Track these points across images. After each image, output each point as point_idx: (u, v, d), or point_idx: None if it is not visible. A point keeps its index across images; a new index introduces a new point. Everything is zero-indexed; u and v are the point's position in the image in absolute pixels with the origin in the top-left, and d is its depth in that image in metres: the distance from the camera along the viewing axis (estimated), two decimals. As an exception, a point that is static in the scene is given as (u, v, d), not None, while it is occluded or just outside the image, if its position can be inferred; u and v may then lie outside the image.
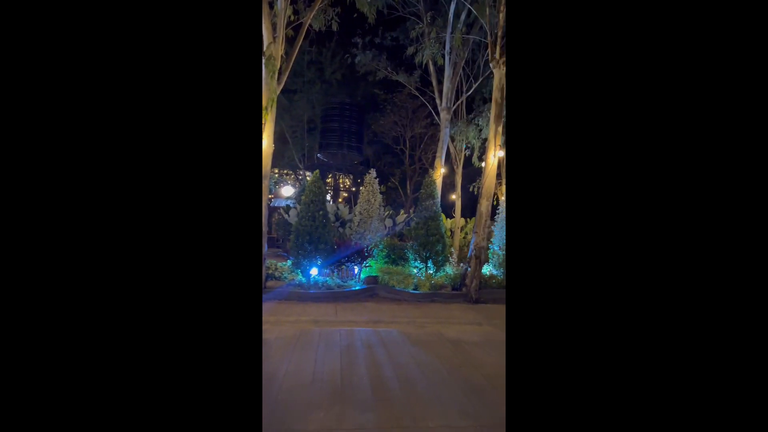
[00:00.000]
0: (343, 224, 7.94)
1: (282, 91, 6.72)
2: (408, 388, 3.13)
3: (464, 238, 11.33)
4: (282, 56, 6.40)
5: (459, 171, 11.75)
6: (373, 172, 8.13)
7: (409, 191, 16.22)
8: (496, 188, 8.09)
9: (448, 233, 9.59)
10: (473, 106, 11.65)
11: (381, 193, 8.33)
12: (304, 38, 7.07)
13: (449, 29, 9.18)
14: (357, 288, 6.79)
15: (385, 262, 7.48)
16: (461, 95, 10.79)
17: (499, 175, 9.37)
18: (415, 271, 7.27)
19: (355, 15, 8.44)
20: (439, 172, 10.05)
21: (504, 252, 7.38)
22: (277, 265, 7.22)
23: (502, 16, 6.71)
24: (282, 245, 11.70)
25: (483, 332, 4.98)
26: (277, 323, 4.88)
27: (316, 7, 6.71)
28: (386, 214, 9.79)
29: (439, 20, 9.69)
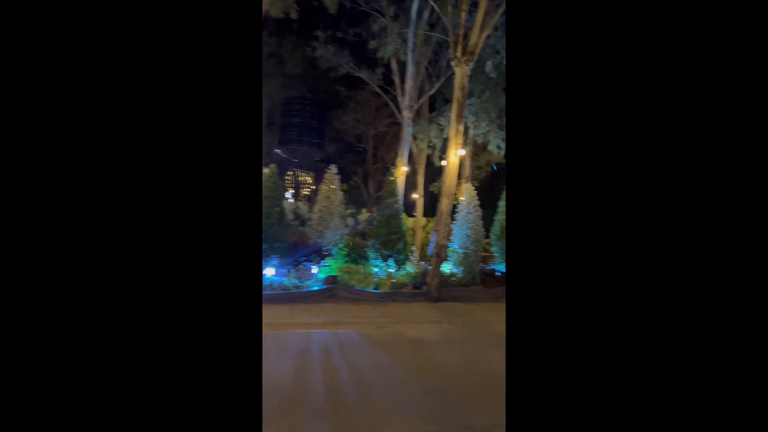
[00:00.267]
0: (303, 222, 7.62)
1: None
2: (365, 394, 2.96)
3: (425, 236, 11.38)
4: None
5: (421, 170, 11.79)
6: (333, 168, 7.87)
7: (371, 190, 16.10)
8: (456, 188, 8.15)
9: (410, 232, 9.57)
10: (435, 105, 11.74)
11: (343, 191, 8.11)
12: (263, 27, 6.68)
13: (412, 27, 9.14)
14: (315, 288, 6.52)
15: (346, 261, 7.27)
16: (424, 94, 10.81)
17: (459, 175, 9.48)
18: (376, 270, 7.13)
19: (316, 2, 8.15)
20: (402, 170, 10.00)
21: (463, 251, 7.45)
22: (229, 266, 6.75)
23: (464, 15, 6.74)
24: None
25: (443, 331, 4.94)
26: (227, 328, 4.52)
27: (274, -8, 6.37)
28: (348, 212, 9.57)
29: (402, 17, 9.63)
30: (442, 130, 10.87)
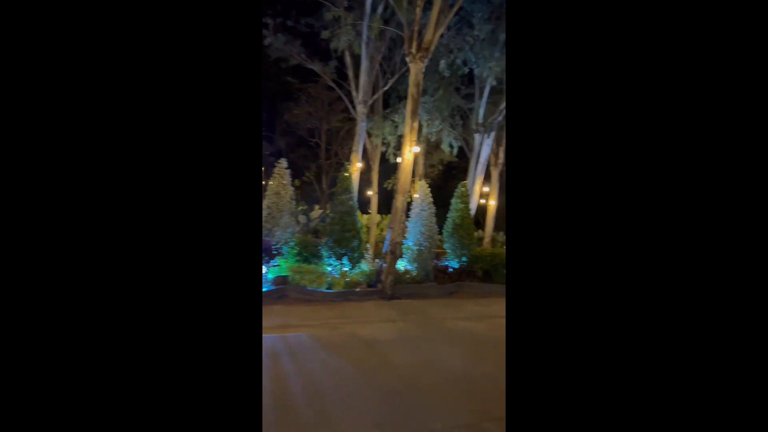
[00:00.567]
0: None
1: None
2: (317, 401, 2.76)
3: (380, 233, 11.31)
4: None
5: (376, 167, 11.67)
6: (283, 163, 7.45)
7: (324, 186, 15.69)
8: (410, 185, 8.14)
9: (365, 229, 9.42)
10: (389, 102, 11.68)
11: (296, 187, 7.71)
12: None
13: (366, 20, 8.96)
14: (264, 290, 6.14)
15: (297, 261, 6.93)
16: (378, 90, 10.69)
17: (413, 173, 9.50)
18: (329, 269, 6.89)
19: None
20: (356, 166, 9.80)
21: (417, 247, 7.45)
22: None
23: (418, 11, 6.70)
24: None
25: (398, 329, 4.85)
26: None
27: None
28: (299, 209, 9.17)
29: (357, 10, 9.41)
30: (396, 127, 10.83)
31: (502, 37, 9.15)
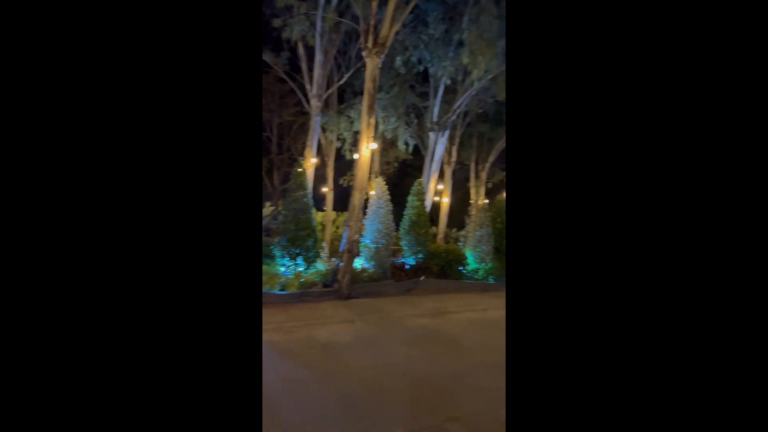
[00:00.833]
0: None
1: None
2: (270, 414, 2.57)
3: (336, 231, 11.09)
4: None
5: (331, 163, 11.41)
6: (232, 158, 6.99)
7: (276, 182, 15.08)
8: (367, 181, 8.03)
9: (320, 227, 9.17)
10: (345, 97, 11.45)
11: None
12: None
13: (321, 10, 8.66)
14: (211, 293, 5.70)
15: (248, 261, 6.54)
16: (333, 84, 10.43)
17: (369, 169, 9.41)
18: (282, 269, 6.59)
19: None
20: (310, 162, 9.49)
21: (375, 245, 7.39)
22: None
23: (374, 5, 6.59)
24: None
25: (356, 330, 4.75)
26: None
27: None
28: (249, 206, 8.67)
29: (311, 0, 9.07)
30: (352, 122, 10.65)
31: (456, 37, 9.32)
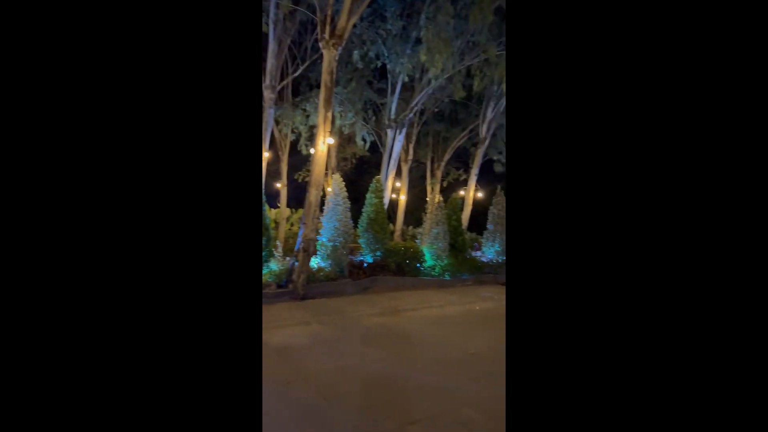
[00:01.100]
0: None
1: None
2: None
3: (290, 229, 10.69)
4: None
5: (285, 158, 10.96)
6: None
7: (226, 178, 14.22)
8: (324, 177, 7.78)
9: (273, 224, 8.76)
10: (300, 90, 11.04)
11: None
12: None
13: (274, -2, 8.23)
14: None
15: (193, 262, 6.06)
16: (287, 76, 10.00)
17: (326, 165, 9.14)
18: (232, 269, 6.17)
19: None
20: (263, 156, 9.02)
21: (332, 243, 7.19)
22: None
23: (332, -6, 6.36)
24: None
25: (312, 333, 4.55)
26: None
27: None
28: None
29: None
30: (308, 116, 10.29)
31: (414, 34, 9.33)
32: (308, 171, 7.68)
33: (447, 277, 8.40)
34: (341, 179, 7.60)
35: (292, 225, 10.98)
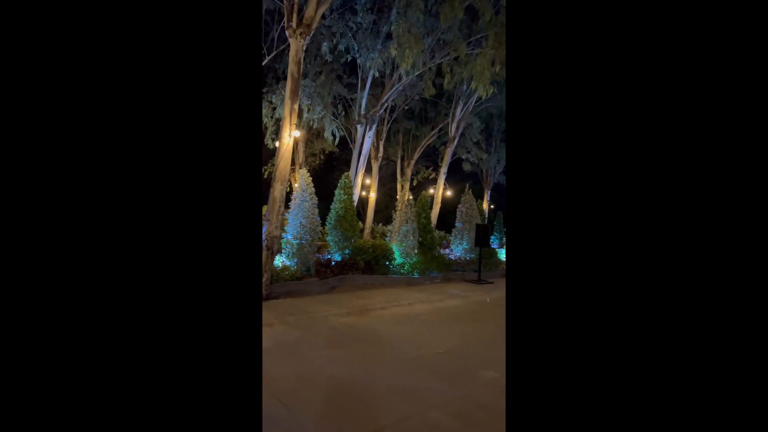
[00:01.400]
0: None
1: None
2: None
3: (254, 227, 10.25)
4: None
5: (249, 152, 10.50)
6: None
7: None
8: (290, 172, 7.49)
9: (236, 222, 8.34)
10: (266, 81, 10.61)
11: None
12: None
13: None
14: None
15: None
16: (252, 66, 9.56)
17: (293, 160, 8.83)
18: (189, 269, 5.78)
19: None
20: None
21: (298, 241, 6.93)
22: None
23: (299, -19, 6.09)
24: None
25: (275, 334, 4.32)
26: None
27: None
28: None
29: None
30: (274, 108, 9.91)
31: (385, 29, 9.20)
32: (273, 165, 7.35)
33: (416, 275, 8.36)
34: (308, 174, 7.34)
35: (256, 222, 10.55)
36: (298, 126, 7.82)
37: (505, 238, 11.49)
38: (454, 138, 12.03)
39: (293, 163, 9.16)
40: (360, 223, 11.56)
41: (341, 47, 9.43)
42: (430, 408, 2.67)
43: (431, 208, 10.89)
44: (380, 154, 12.17)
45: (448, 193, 13.81)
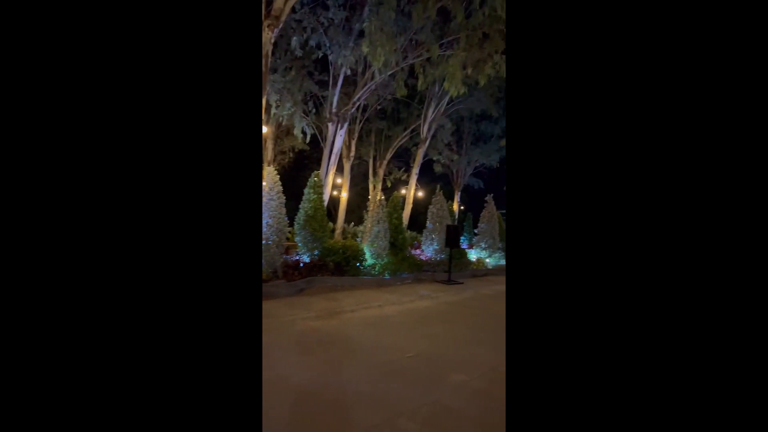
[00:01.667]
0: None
1: None
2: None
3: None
4: None
5: (214, 148, 10.05)
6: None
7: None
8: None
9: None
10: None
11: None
12: None
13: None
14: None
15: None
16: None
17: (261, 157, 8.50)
18: (145, 271, 5.40)
19: None
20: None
21: (264, 242, 6.66)
22: None
23: (268, -29, 5.86)
24: None
25: (238, 340, 4.10)
26: None
27: None
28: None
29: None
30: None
31: (357, 26, 9.08)
32: (240, 163, 7.04)
33: (387, 276, 8.30)
34: (275, 172, 7.08)
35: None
36: (266, 122, 7.53)
37: (474, 239, 11.67)
38: (426, 139, 12.10)
39: (261, 160, 8.83)
40: (331, 223, 11.37)
41: (312, 43, 9.22)
42: (399, 415, 2.58)
43: (403, 208, 10.87)
44: (352, 153, 12.03)
45: (420, 193, 13.88)
